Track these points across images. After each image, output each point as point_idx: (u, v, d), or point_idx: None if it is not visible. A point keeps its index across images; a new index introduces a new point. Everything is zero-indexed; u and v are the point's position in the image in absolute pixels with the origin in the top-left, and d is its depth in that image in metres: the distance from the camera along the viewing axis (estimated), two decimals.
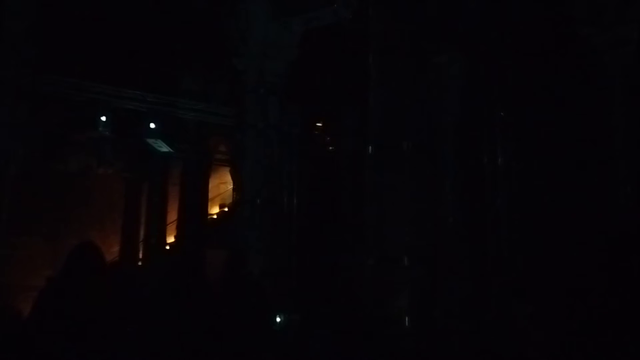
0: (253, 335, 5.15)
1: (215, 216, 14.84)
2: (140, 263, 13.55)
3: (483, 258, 7.85)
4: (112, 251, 12.28)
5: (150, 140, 11.25)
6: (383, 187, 7.51)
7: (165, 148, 11.54)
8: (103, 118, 10.39)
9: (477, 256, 7.98)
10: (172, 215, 13.35)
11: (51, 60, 8.79)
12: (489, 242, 7.95)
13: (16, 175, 7.29)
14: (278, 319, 7.06)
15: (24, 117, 7.13)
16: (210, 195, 13.98)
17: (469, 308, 7.86)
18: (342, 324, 7.04)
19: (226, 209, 15.04)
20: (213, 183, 14.04)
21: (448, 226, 8.18)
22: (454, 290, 8.08)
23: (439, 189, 7.85)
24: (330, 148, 11.50)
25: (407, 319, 7.62)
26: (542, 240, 7.72)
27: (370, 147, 7.76)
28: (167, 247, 13.75)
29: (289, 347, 6.06)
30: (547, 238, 7.63)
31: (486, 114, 8.14)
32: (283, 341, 6.12)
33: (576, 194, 7.54)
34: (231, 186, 14.54)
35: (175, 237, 13.72)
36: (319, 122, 11.74)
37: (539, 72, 7.77)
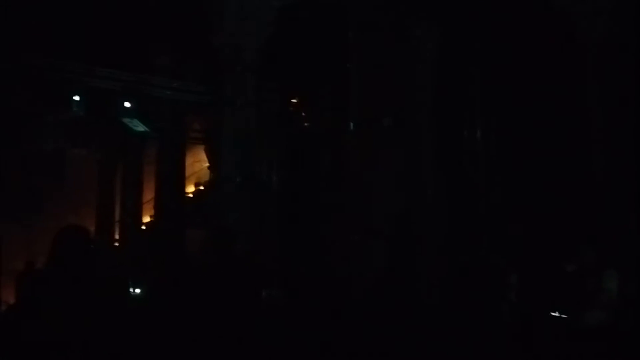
0: (247, 315, 5.14)
1: (191, 195, 14.73)
2: (116, 244, 13.44)
3: (462, 232, 7.97)
4: None
5: (126, 120, 11.07)
6: (365, 162, 7.55)
7: (141, 127, 11.35)
8: (76, 97, 10.17)
9: (456, 230, 8.11)
10: (148, 195, 13.21)
11: (22, 38, 8.55)
12: (468, 216, 8.07)
13: None
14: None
15: None
16: (186, 173, 13.85)
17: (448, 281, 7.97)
18: (325, 299, 7.12)
19: (202, 188, 14.94)
20: (188, 161, 13.89)
21: (428, 200, 8.27)
22: (431, 264, 8.20)
23: (419, 164, 7.92)
24: (308, 124, 11.49)
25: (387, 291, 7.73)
26: (521, 213, 7.87)
27: (351, 124, 7.78)
28: (143, 227, 13.64)
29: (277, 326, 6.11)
30: (526, 211, 7.79)
31: (464, 87, 8.17)
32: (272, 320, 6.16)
33: (556, 168, 7.68)
34: (206, 164, 14.43)
35: (151, 216, 13.61)
36: (297, 98, 11.70)
37: (515, 43, 7.81)
